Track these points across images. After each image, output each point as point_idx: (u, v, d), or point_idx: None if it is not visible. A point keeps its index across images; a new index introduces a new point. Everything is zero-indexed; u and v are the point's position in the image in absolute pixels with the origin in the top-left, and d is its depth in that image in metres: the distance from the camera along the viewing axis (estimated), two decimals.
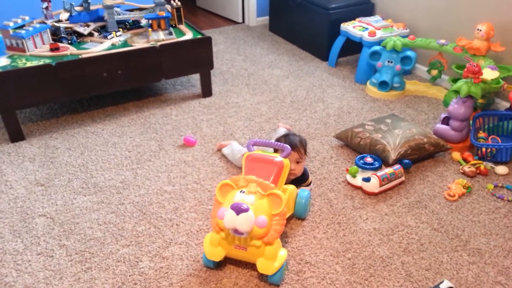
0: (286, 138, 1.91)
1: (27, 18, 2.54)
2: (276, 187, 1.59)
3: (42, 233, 1.80)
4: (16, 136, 2.39)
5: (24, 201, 1.98)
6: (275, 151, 1.88)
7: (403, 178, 2.07)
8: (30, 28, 2.47)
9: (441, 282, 1.56)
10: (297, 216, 1.86)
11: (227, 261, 1.66)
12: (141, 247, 1.74)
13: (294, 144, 1.86)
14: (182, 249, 1.73)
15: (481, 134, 2.29)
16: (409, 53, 2.81)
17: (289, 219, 1.83)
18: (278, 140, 1.93)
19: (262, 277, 1.60)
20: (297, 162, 1.89)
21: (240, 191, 1.53)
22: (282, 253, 1.55)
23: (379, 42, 2.93)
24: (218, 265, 1.63)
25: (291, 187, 1.81)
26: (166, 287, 1.57)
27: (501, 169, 2.15)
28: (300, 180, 1.97)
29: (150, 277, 1.61)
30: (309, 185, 2.02)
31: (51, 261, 1.67)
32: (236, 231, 1.47)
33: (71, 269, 1.64)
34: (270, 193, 1.52)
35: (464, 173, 2.14)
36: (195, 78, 3.06)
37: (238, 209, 1.44)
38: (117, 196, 2.01)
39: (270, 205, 1.52)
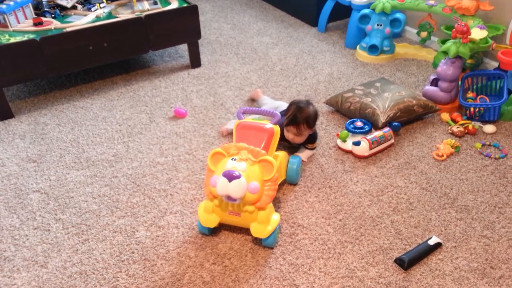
0: (296, 110, 1.88)
1: None
2: (267, 153, 1.61)
3: (37, 208, 1.82)
4: (5, 114, 2.38)
5: (17, 178, 1.99)
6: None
7: (392, 141, 2.10)
8: (11, 3, 2.40)
9: (430, 238, 1.61)
10: (289, 182, 1.89)
11: (222, 227, 1.70)
12: (137, 218, 1.77)
13: (295, 121, 1.86)
14: (177, 217, 1.76)
15: (470, 94, 2.31)
16: (398, 15, 2.79)
17: (281, 185, 1.86)
18: (289, 106, 1.92)
19: (256, 241, 1.64)
20: (295, 135, 1.90)
21: (232, 159, 1.54)
22: (275, 217, 1.59)
23: (368, 5, 2.89)
24: (213, 231, 1.67)
25: (282, 153, 1.83)
26: (163, 254, 1.61)
27: (489, 128, 2.18)
28: (307, 140, 1.99)
29: (147, 246, 1.65)
30: (313, 148, 2.04)
31: (48, 235, 1.70)
32: (229, 197, 1.49)
33: (69, 242, 1.67)
34: (261, 159, 1.54)
35: (452, 133, 2.17)
36: (183, 48, 3.02)
37: (230, 176, 1.46)
38: (110, 169, 2.02)
39: (262, 171, 1.54)
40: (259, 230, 1.55)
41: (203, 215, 1.61)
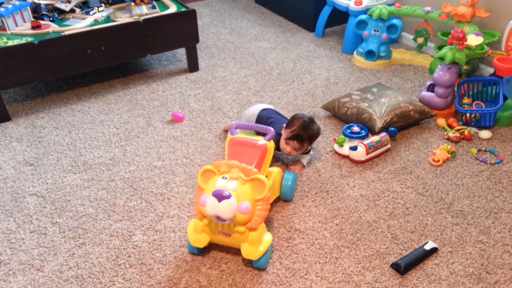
0: (301, 127, 1.87)
1: None
2: (259, 171, 1.56)
3: (34, 211, 1.82)
4: (2, 116, 2.37)
5: (14, 181, 1.98)
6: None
7: (389, 146, 2.11)
8: (10, 6, 2.41)
9: (426, 243, 1.62)
10: (283, 199, 1.84)
11: (212, 246, 1.64)
12: (134, 222, 1.76)
13: (300, 137, 1.86)
14: (174, 221, 1.76)
15: (466, 100, 2.32)
16: (395, 21, 2.81)
17: (275, 202, 1.83)
18: (293, 120, 1.91)
19: (249, 261, 1.58)
20: (295, 149, 1.90)
21: (222, 177, 1.48)
22: (267, 237, 1.53)
23: (365, 11, 2.91)
24: (203, 251, 1.62)
25: (276, 169, 1.78)
26: (160, 258, 1.61)
27: (485, 134, 2.19)
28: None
29: (143, 250, 1.64)
30: (308, 152, 2.03)
31: (45, 238, 1.70)
32: (218, 218, 1.43)
33: (65, 245, 1.67)
34: (252, 178, 1.48)
35: (448, 139, 2.18)
36: (181, 52, 3.03)
37: (220, 196, 1.40)
38: (107, 173, 2.02)
39: (253, 190, 1.48)
40: (250, 251, 1.49)
41: (192, 235, 1.55)
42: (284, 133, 1.90)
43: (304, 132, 1.87)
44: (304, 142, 1.88)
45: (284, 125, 1.94)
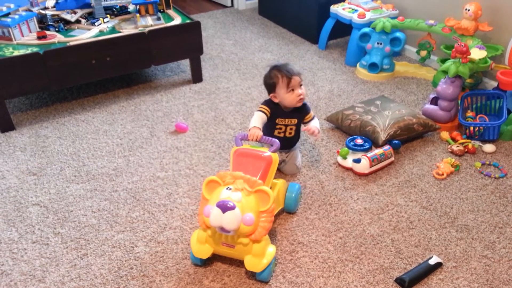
0: (280, 68, 1.86)
1: (12, 6, 2.50)
2: (264, 183, 1.55)
3: (36, 221, 1.81)
4: (6, 126, 2.38)
5: (17, 190, 1.98)
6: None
7: (392, 159, 2.11)
8: (16, 16, 2.43)
9: (430, 258, 1.60)
10: (287, 211, 1.83)
11: (215, 258, 1.63)
12: (136, 233, 1.76)
13: (291, 70, 1.84)
14: (176, 233, 1.75)
15: (469, 114, 2.32)
16: (398, 34, 2.82)
17: (279, 214, 1.82)
18: (266, 78, 1.89)
19: (251, 274, 1.57)
20: (301, 85, 1.87)
21: (227, 188, 1.47)
22: (271, 250, 1.53)
23: (368, 24, 2.93)
24: (206, 262, 1.62)
25: (281, 181, 1.78)
26: (162, 270, 1.60)
27: (489, 147, 2.19)
28: (302, 112, 1.96)
29: (146, 262, 1.63)
30: (313, 118, 1.99)
31: (47, 249, 1.69)
32: (222, 229, 1.43)
33: (67, 256, 1.66)
34: (257, 189, 1.48)
35: (452, 152, 2.18)
36: (185, 63, 3.05)
37: (224, 207, 1.40)
38: (110, 183, 2.02)
39: (258, 202, 1.48)
40: (253, 263, 1.49)
41: (195, 245, 1.55)
42: (280, 90, 1.86)
43: (285, 65, 1.86)
44: (296, 73, 1.85)
45: (269, 94, 1.91)
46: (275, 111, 1.91)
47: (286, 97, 1.87)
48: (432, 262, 1.58)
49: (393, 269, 1.59)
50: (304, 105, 1.95)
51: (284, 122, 1.94)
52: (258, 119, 1.86)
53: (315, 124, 1.97)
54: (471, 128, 2.23)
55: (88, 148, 2.25)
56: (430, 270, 1.57)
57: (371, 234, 1.74)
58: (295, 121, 1.95)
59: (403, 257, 1.64)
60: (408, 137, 2.21)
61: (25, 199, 1.93)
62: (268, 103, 1.93)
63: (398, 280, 1.54)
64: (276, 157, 1.68)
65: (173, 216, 1.84)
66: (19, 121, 2.47)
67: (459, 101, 2.36)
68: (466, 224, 1.78)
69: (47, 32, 2.51)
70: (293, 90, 1.86)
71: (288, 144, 2.01)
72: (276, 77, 1.86)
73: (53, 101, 2.68)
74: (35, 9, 2.68)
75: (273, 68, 1.90)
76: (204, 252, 1.55)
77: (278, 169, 2.03)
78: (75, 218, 1.83)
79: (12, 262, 1.64)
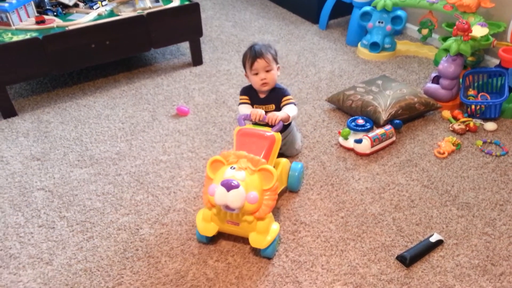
0: (251, 49, 1.80)
1: None
2: (267, 162, 1.57)
3: (42, 206, 1.84)
4: (8, 112, 2.39)
5: (21, 175, 2.00)
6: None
7: (394, 138, 2.11)
8: (14, 1, 2.41)
9: (431, 235, 1.62)
10: (290, 189, 1.86)
11: (220, 235, 1.67)
12: (141, 215, 1.78)
13: (258, 52, 1.76)
14: (180, 215, 1.78)
15: (471, 92, 2.32)
16: (399, 12, 2.79)
17: (282, 193, 1.84)
18: (248, 51, 1.82)
19: (255, 254, 1.61)
20: (267, 71, 1.78)
21: (231, 167, 1.50)
22: (275, 227, 1.56)
23: (369, 3, 2.89)
24: (211, 240, 1.65)
25: (284, 160, 1.80)
26: (167, 251, 1.63)
27: (490, 126, 2.19)
28: (279, 95, 1.85)
29: (151, 243, 1.66)
30: (289, 104, 1.83)
31: (53, 233, 1.72)
32: (227, 207, 1.46)
33: (73, 239, 1.69)
34: (261, 168, 1.50)
35: (453, 131, 2.18)
36: (185, 46, 3.03)
37: (229, 186, 1.43)
38: (113, 167, 2.03)
39: (261, 181, 1.51)
40: (258, 240, 1.53)
41: (201, 224, 1.59)
42: (247, 70, 1.82)
43: (261, 46, 1.78)
44: (263, 56, 1.76)
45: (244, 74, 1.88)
46: (251, 97, 1.88)
47: (251, 79, 1.83)
48: (433, 239, 1.61)
49: (394, 247, 1.62)
50: (280, 88, 1.87)
51: (262, 108, 1.86)
52: (245, 108, 1.84)
53: (287, 110, 1.80)
54: (473, 107, 2.23)
55: (90, 133, 2.26)
56: (431, 247, 1.59)
57: (373, 213, 1.76)
58: (273, 106, 1.86)
59: (404, 235, 1.66)
60: (409, 116, 2.21)
61: (30, 184, 1.95)
62: (244, 91, 1.89)
63: (400, 258, 1.56)
64: (279, 136, 1.70)
65: (176, 198, 1.86)
66: (21, 107, 2.48)
67: (461, 80, 2.35)
68: (467, 202, 1.80)
69: (46, 17, 2.49)
70: (257, 73, 1.80)
71: None
72: (245, 56, 1.82)
73: (54, 86, 2.67)
74: None
75: (250, 46, 1.84)
76: (210, 230, 1.59)
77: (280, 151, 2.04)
78: (80, 202, 1.85)
79: (19, 246, 1.67)
